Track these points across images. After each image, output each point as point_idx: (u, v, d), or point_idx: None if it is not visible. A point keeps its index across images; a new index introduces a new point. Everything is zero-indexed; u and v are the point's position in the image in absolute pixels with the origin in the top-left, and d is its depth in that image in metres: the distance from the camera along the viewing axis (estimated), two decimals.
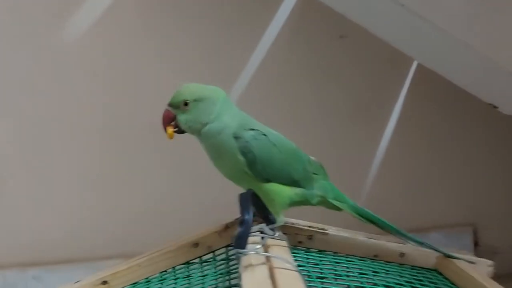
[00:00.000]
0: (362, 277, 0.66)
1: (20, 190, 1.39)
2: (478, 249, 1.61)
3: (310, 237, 0.73)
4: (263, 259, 0.54)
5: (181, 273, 0.72)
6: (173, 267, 0.73)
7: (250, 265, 0.52)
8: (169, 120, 0.68)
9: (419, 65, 1.59)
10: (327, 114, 1.55)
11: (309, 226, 0.75)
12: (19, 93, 1.38)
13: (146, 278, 0.72)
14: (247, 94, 1.52)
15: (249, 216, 0.51)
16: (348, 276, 0.66)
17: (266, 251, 0.56)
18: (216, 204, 1.46)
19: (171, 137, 0.69)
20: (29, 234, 1.38)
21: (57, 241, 1.40)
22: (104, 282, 0.70)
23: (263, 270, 0.51)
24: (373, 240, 0.74)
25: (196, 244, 0.73)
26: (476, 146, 1.61)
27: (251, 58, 1.53)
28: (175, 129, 0.68)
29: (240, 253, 0.50)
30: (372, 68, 1.58)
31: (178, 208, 1.47)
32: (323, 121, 1.54)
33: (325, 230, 0.75)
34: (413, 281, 0.66)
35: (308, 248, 0.74)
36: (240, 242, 0.50)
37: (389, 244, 0.74)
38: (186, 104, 0.68)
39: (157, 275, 0.72)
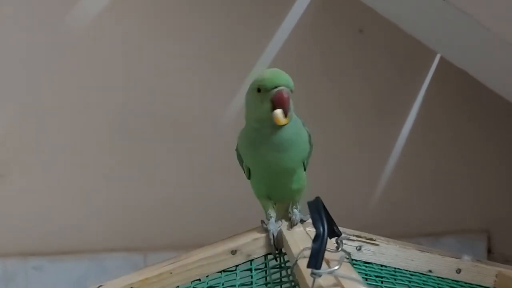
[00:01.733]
0: None
1: (24, 179, 1.33)
2: (491, 256, 1.57)
3: (359, 248, 0.67)
4: (333, 281, 0.47)
5: (216, 282, 0.65)
6: (207, 276, 0.66)
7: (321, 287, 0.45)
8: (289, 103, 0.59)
9: (441, 61, 1.53)
10: (344, 109, 1.50)
11: (357, 236, 0.68)
12: (25, 82, 1.32)
13: (177, 286, 0.65)
14: None
15: (323, 230, 0.44)
16: None
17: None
18: (222, 201, 1.41)
19: (285, 123, 0.58)
20: (31, 223, 1.32)
21: (59, 232, 1.34)
22: None
23: None
24: (427, 253, 0.68)
25: (234, 251, 0.66)
26: (496, 150, 1.57)
27: (267, 51, 1.47)
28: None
29: (315, 274, 0.42)
30: (392, 64, 1.52)
31: (182, 203, 1.42)
32: (339, 117, 1.49)
33: (374, 240, 0.68)
34: None
35: (355, 260, 0.67)
36: (315, 260, 0.43)
37: (444, 258, 0.68)
38: (292, 90, 0.60)
39: (190, 284, 0.65)
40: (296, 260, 0.52)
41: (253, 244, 0.67)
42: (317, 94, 1.48)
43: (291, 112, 0.60)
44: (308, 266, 0.43)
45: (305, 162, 0.67)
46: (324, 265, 0.49)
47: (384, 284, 0.62)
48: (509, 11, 0.98)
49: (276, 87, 0.58)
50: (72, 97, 1.35)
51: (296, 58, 1.48)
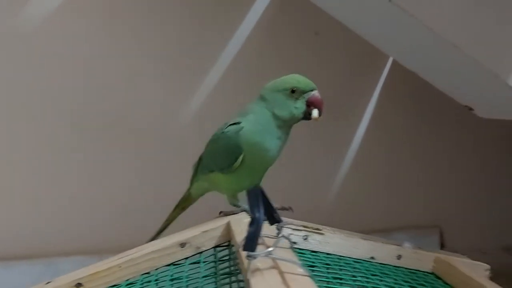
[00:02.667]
0: (363, 279, 0.62)
1: None
2: (444, 250, 1.64)
3: (305, 238, 0.69)
4: (271, 263, 0.49)
5: (165, 275, 0.66)
6: (157, 269, 0.66)
7: (258, 270, 0.47)
8: None
9: (393, 64, 1.59)
10: None
11: (304, 226, 0.70)
12: None
13: (127, 280, 0.65)
14: (220, 87, 1.47)
15: (259, 215, 0.46)
16: (349, 278, 0.62)
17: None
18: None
19: (319, 120, 0.69)
20: None
21: (12, 236, 1.31)
22: (79, 285, 0.63)
23: (275, 276, 0.46)
24: (370, 241, 0.71)
25: (183, 244, 0.67)
26: (446, 149, 1.64)
27: (226, 52, 1.49)
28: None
29: (250, 256, 0.44)
30: (346, 66, 1.57)
31: (138, 205, 1.41)
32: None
33: (320, 230, 0.70)
34: (410, 286, 0.63)
35: (302, 249, 0.69)
36: (251, 244, 0.44)
37: (386, 245, 0.71)
38: None
39: (139, 277, 0.65)
40: (239, 248, 0.54)
41: (202, 236, 0.68)
42: None
43: None
44: (244, 249, 0.45)
45: None
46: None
47: (330, 272, 0.65)
48: (451, 12, 1.03)
49: (311, 90, 0.68)
50: (25, 98, 1.33)
51: (254, 59, 1.50)
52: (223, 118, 1.47)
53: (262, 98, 0.71)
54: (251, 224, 0.45)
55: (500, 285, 0.58)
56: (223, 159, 0.72)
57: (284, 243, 0.59)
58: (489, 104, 1.26)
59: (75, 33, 1.36)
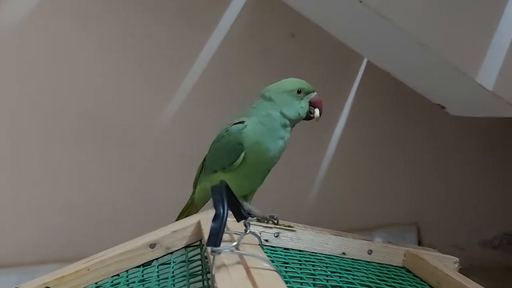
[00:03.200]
0: (335, 275, 0.62)
1: None
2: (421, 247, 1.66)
3: (277, 235, 0.69)
4: (237, 259, 0.49)
5: (135, 277, 0.65)
6: (127, 271, 0.66)
7: (224, 266, 0.47)
8: None
9: (368, 65, 1.61)
10: None
11: (251, 215, 0.70)
12: None
13: (96, 283, 0.64)
14: (197, 89, 1.47)
15: (223, 210, 0.46)
16: (321, 275, 0.62)
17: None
18: (160, 206, 1.40)
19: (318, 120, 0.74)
20: None
21: None
22: None
23: (240, 271, 0.46)
24: (341, 237, 0.71)
25: (153, 245, 0.66)
26: (423, 147, 1.66)
27: (203, 52, 1.49)
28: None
29: (214, 251, 0.44)
30: (322, 67, 1.58)
31: (117, 210, 1.40)
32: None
33: (291, 227, 0.71)
34: (380, 280, 0.63)
35: (274, 247, 0.69)
36: (214, 239, 0.44)
37: (357, 241, 0.71)
38: None
39: (108, 279, 0.65)
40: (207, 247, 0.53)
41: (172, 236, 0.67)
42: (251, 95, 1.51)
43: None
44: (208, 244, 0.44)
45: None
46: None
47: (303, 269, 0.65)
48: (420, 12, 1.05)
49: (313, 91, 0.74)
50: (1, 99, 1.30)
51: (230, 61, 1.51)
52: (202, 119, 1.49)
53: (267, 99, 0.73)
54: (215, 219, 0.45)
55: (479, 279, 0.58)
56: (226, 156, 0.73)
57: (254, 240, 0.60)
58: (459, 102, 1.29)
59: (55, 35, 1.34)
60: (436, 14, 1.06)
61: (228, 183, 0.72)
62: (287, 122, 0.72)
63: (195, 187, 0.85)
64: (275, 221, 0.70)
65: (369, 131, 1.64)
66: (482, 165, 1.70)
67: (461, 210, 1.70)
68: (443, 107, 1.33)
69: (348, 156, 1.62)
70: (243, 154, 0.70)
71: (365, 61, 1.62)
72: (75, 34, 1.36)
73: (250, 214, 0.62)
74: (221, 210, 0.46)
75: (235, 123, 0.73)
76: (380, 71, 1.31)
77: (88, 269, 0.64)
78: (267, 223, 0.70)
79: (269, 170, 0.76)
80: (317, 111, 0.73)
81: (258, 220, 0.70)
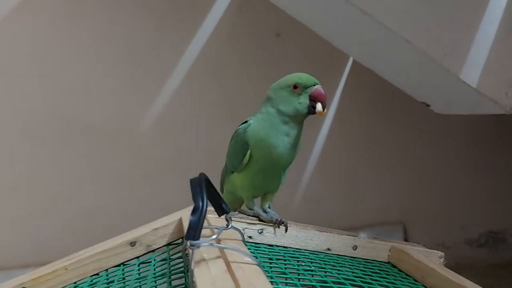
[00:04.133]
0: (320, 271, 0.61)
1: None
2: None
3: (260, 232, 0.68)
4: (217, 253, 0.47)
5: (115, 275, 0.63)
6: (106, 270, 0.64)
7: (203, 260, 0.46)
8: None
9: (353, 64, 1.61)
10: None
11: (260, 219, 0.69)
12: None
13: (74, 283, 0.62)
14: (180, 90, 1.46)
15: (202, 203, 0.44)
16: (306, 271, 0.61)
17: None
18: (144, 208, 1.38)
19: (324, 114, 0.70)
20: None
21: None
22: None
23: (220, 265, 0.44)
24: (326, 233, 0.70)
25: (133, 243, 0.64)
26: (408, 147, 1.67)
27: (187, 53, 1.47)
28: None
29: (193, 245, 0.43)
30: (308, 66, 1.58)
31: (100, 212, 1.37)
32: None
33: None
34: (365, 275, 0.62)
35: (258, 243, 0.68)
36: (193, 232, 0.43)
37: (341, 237, 0.70)
38: None
39: (87, 279, 0.63)
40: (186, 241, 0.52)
41: (153, 234, 0.66)
42: (236, 95, 1.50)
43: None
44: (186, 238, 0.43)
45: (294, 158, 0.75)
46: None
47: (287, 265, 0.64)
48: (403, 9, 1.06)
49: (314, 85, 0.69)
50: None
51: (214, 61, 1.49)
52: (185, 120, 1.47)
53: (268, 98, 0.72)
54: (194, 212, 0.44)
55: (466, 278, 0.58)
56: (235, 157, 0.73)
57: (237, 235, 0.58)
58: (444, 100, 1.29)
59: (33, 34, 1.32)
60: (419, 11, 1.06)
61: (242, 183, 0.72)
62: (286, 118, 0.69)
63: (222, 191, 0.84)
64: (285, 226, 0.69)
65: (354, 131, 1.64)
66: (467, 164, 1.71)
67: (446, 209, 1.70)
68: (428, 105, 1.33)
69: (333, 156, 1.62)
70: (249, 152, 0.70)
71: (350, 60, 1.62)
72: (55, 33, 1.34)
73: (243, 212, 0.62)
74: (200, 203, 0.45)
75: (242, 123, 0.74)
76: (365, 70, 1.31)
77: (66, 269, 0.62)
78: (279, 227, 0.69)
79: (285, 171, 0.74)
80: (319, 106, 0.68)
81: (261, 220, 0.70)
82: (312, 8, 1.19)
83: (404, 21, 1.06)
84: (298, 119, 0.70)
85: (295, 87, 0.69)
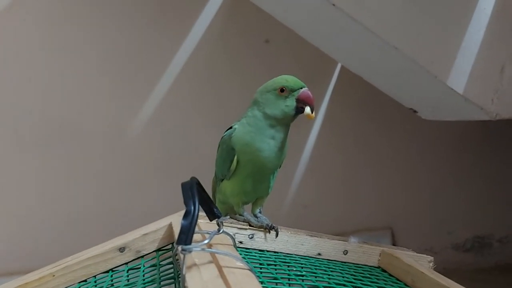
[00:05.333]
0: (311, 276, 0.61)
1: None
2: None
3: (251, 237, 0.67)
4: (209, 258, 0.47)
5: (103, 282, 0.62)
6: (95, 276, 0.63)
7: (195, 265, 0.45)
8: None
9: (342, 70, 1.62)
10: None
11: (250, 224, 0.69)
12: None
13: None
14: (170, 95, 1.45)
15: (194, 207, 0.44)
16: (297, 276, 0.60)
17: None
18: (132, 214, 1.37)
19: (313, 117, 0.69)
20: None
21: None
22: None
23: (212, 270, 0.44)
24: (316, 237, 0.70)
25: (122, 249, 0.63)
26: (396, 152, 1.68)
27: (175, 59, 1.47)
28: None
29: (184, 250, 0.42)
30: (296, 72, 1.58)
31: (87, 218, 1.36)
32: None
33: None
34: (356, 279, 0.62)
35: (248, 249, 0.68)
36: (184, 237, 0.43)
37: (332, 241, 0.70)
38: None
39: (75, 285, 0.62)
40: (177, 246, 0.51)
41: (143, 239, 0.65)
42: (226, 100, 1.50)
43: None
44: (178, 242, 0.43)
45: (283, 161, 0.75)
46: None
47: (278, 270, 0.63)
48: (392, 16, 1.07)
49: (301, 88, 0.68)
50: None
51: (204, 67, 1.49)
52: (174, 125, 1.46)
53: (254, 101, 0.71)
54: (185, 216, 0.44)
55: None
56: (223, 163, 0.72)
57: (228, 240, 0.58)
58: (431, 106, 1.30)
59: (21, 37, 1.31)
60: (408, 18, 1.07)
61: (232, 190, 0.72)
62: (273, 122, 0.69)
63: (214, 201, 0.83)
64: (276, 231, 0.69)
65: (343, 137, 1.65)
66: (454, 169, 1.73)
67: (434, 214, 1.72)
68: (415, 111, 1.35)
69: (322, 161, 1.62)
70: (236, 158, 0.70)
71: (339, 66, 1.63)
72: (44, 35, 1.33)
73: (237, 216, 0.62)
74: (192, 207, 0.44)
75: (227, 129, 0.73)
76: (353, 76, 1.32)
77: (53, 275, 0.61)
78: (269, 232, 0.68)
79: (273, 174, 0.73)
80: (307, 109, 0.68)
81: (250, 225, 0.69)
82: (301, 14, 1.20)
83: (392, 28, 1.07)
84: (285, 122, 0.69)
85: (281, 90, 0.68)
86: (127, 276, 0.63)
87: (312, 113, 0.68)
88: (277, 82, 0.70)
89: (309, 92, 0.68)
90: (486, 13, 1.12)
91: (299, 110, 0.68)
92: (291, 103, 0.68)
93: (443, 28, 1.10)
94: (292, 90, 0.68)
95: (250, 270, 0.45)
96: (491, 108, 1.11)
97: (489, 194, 1.74)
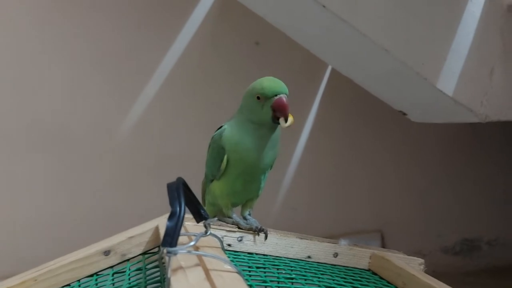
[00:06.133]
0: (300, 279, 0.60)
1: None
2: None
3: (240, 239, 0.66)
4: (196, 261, 0.46)
5: (88, 286, 0.61)
6: (79, 280, 0.61)
7: (181, 268, 0.44)
8: None
9: (332, 73, 1.62)
10: None
11: (239, 227, 0.68)
12: None
13: None
14: (158, 98, 1.44)
15: (179, 208, 0.43)
16: (287, 279, 0.59)
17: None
18: (120, 216, 1.35)
19: (286, 126, 0.65)
20: None
21: None
22: None
23: (198, 273, 0.43)
24: (306, 240, 0.69)
25: (107, 252, 0.62)
26: (386, 155, 1.68)
27: (164, 61, 1.46)
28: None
29: (170, 252, 0.41)
30: (287, 75, 1.57)
31: (75, 221, 1.33)
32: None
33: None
34: (346, 282, 0.61)
35: (237, 252, 0.66)
36: (169, 239, 0.41)
37: (322, 244, 0.69)
38: (287, 95, 0.67)
39: None
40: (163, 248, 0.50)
41: (128, 242, 0.63)
42: (216, 102, 1.49)
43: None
44: (163, 245, 0.41)
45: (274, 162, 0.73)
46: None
47: (267, 273, 0.62)
48: (382, 18, 1.06)
49: (276, 95, 0.65)
50: None
51: (193, 69, 1.48)
52: (163, 128, 1.45)
53: (241, 103, 0.71)
54: (170, 218, 0.42)
55: None
56: (213, 163, 0.71)
57: (216, 243, 0.57)
58: (421, 109, 1.30)
59: (8, 39, 1.28)
60: (398, 20, 1.07)
61: (222, 190, 0.71)
62: (256, 125, 0.67)
63: (204, 203, 0.81)
64: (265, 234, 0.67)
65: (333, 139, 1.64)
66: (443, 172, 1.73)
67: (423, 217, 1.72)
68: (404, 114, 1.35)
69: (312, 164, 1.62)
70: (225, 157, 0.68)
71: (329, 68, 1.63)
72: (32, 37, 1.30)
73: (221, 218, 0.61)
74: (178, 208, 0.43)
75: (218, 129, 0.72)
76: (343, 79, 1.32)
77: (35, 280, 0.59)
78: (258, 235, 0.67)
79: (264, 175, 0.72)
80: (282, 121, 0.64)
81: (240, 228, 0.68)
82: (291, 16, 1.19)
83: (383, 30, 1.07)
84: (268, 126, 0.67)
85: (258, 97, 0.66)
86: (112, 280, 0.61)
87: (286, 122, 0.65)
88: (254, 89, 0.67)
89: (283, 100, 0.65)
90: (475, 16, 1.12)
91: (275, 120, 0.65)
92: (267, 110, 0.66)
93: (433, 31, 1.10)
94: (267, 98, 0.65)
95: (238, 273, 0.44)
96: (480, 110, 1.12)
97: (478, 197, 1.75)
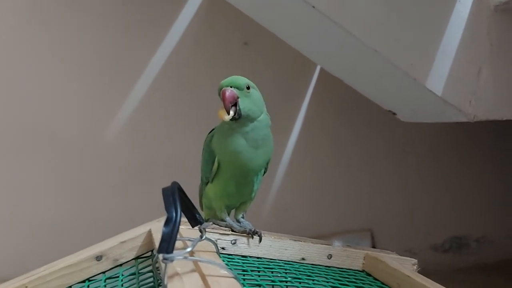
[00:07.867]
0: (295, 281, 0.60)
1: None
2: None
3: (234, 242, 0.66)
4: (192, 266, 0.45)
5: None
6: (70, 286, 0.60)
7: (177, 274, 0.43)
8: (233, 100, 0.63)
9: (321, 72, 1.62)
10: None
11: (232, 230, 0.67)
12: None
13: None
14: (146, 99, 1.43)
15: (175, 214, 0.42)
16: (281, 281, 0.59)
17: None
18: (103, 222, 1.33)
19: (228, 119, 0.62)
20: None
21: None
22: None
23: (195, 279, 0.42)
24: (300, 242, 0.69)
25: (99, 257, 0.61)
26: (373, 154, 1.69)
27: (152, 62, 1.44)
28: (234, 115, 0.63)
29: (166, 258, 0.40)
30: (276, 75, 1.58)
31: (64, 224, 1.31)
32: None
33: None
34: (341, 284, 0.61)
35: (231, 255, 0.66)
36: (166, 245, 0.40)
37: (316, 245, 0.69)
38: (248, 88, 0.65)
39: None
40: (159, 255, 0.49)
41: (120, 247, 0.62)
42: (204, 103, 1.47)
43: (245, 111, 0.64)
44: (159, 251, 0.41)
45: (268, 163, 0.72)
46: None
47: (261, 276, 0.62)
48: (371, 18, 1.07)
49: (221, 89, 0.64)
50: None
51: (181, 70, 1.47)
52: (150, 130, 1.43)
53: None
54: (166, 223, 0.41)
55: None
56: (206, 165, 0.71)
57: (211, 247, 0.56)
58: (410, 108, 1.31)
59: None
60: (388, 21, 1.08)
61: (216, 192, 0.70)
62: (227, 125, 0.65)
63: (201, 207, 0.80)
64: (259, 236, 0.67)
65: (322, 139, 1.65)
66: (432, 171, 1.75)
67: (413, 216, 1.73)
68: (394, 114, 1.35)
69: (302, 164, 1.62)
70: (216, 159, 0.68)
71: (318, 68, 1.63)
72: (18, 39, 1.28)
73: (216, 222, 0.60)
74: (173, 214, 0.42)
75: (209, 132, 0.72)
76: (333, 78, 1.32)
77: (26, 287, 0.58)
78: (252, 238, 0.66)
79: (257, 177, 0.71)
80: (219, 110, 0.63)
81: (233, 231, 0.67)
82: (280, 16, 1.19)
83: (372, 31, 1.07)
84: (234, 126, 0.65)
85: (219, 94, 0.65)
86: (105, 285, 0.60)
87: (228, 114, 0.62)
88: (220, 85, 0.66)
89: (225, 92, 0.63)
90: (463, 17, 1.13)
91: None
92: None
93: (421, 31, 1.11)
94: (219, 95, 0.65)
95: (235, 278, 0.43)
96: (469, 110, 1.13)
97: (466, 195, 1.77)
